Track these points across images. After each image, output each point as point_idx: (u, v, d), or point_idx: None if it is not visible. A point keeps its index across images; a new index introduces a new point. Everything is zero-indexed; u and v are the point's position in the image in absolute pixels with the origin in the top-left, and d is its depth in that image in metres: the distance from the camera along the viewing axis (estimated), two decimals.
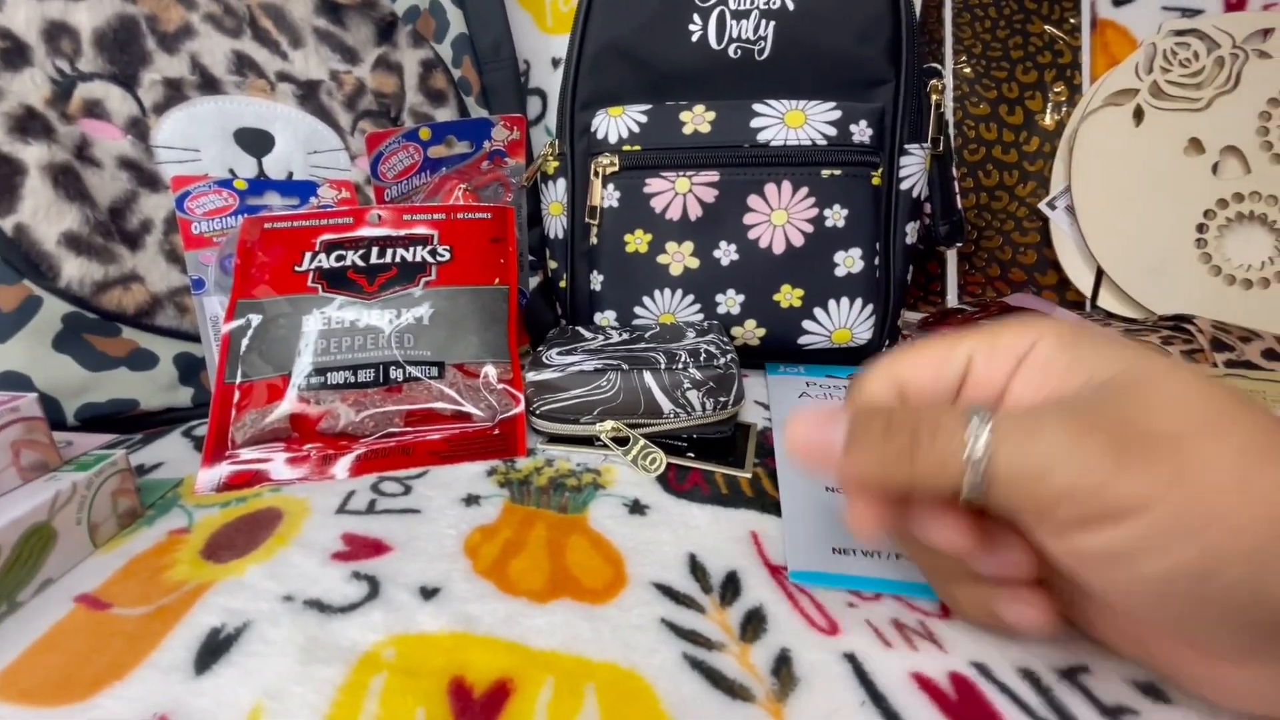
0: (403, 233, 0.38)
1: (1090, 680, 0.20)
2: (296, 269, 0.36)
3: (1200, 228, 0.54)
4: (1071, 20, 0.58)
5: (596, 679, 0.19)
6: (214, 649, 0.20)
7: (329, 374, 0.34)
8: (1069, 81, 0.58)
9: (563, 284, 0.46)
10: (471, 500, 0.29)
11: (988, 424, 0.16)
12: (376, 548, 0.26)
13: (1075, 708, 0.19)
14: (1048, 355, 0.18)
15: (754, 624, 0.22)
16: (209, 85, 0.42)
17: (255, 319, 0.35)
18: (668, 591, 0.23)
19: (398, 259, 0.37)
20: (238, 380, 0.34)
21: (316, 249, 0.37)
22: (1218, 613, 0.15)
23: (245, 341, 0.35)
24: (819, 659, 0.20)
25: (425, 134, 0.41)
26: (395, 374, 0.34)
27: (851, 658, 0.20)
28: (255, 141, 0.43)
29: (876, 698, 0.19)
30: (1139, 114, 0.55)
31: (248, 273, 0.36)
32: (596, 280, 0.43)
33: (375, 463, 0.32)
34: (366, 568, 0.24)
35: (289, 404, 0.34)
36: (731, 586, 0.24)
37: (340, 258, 0.37)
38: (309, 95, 0.45)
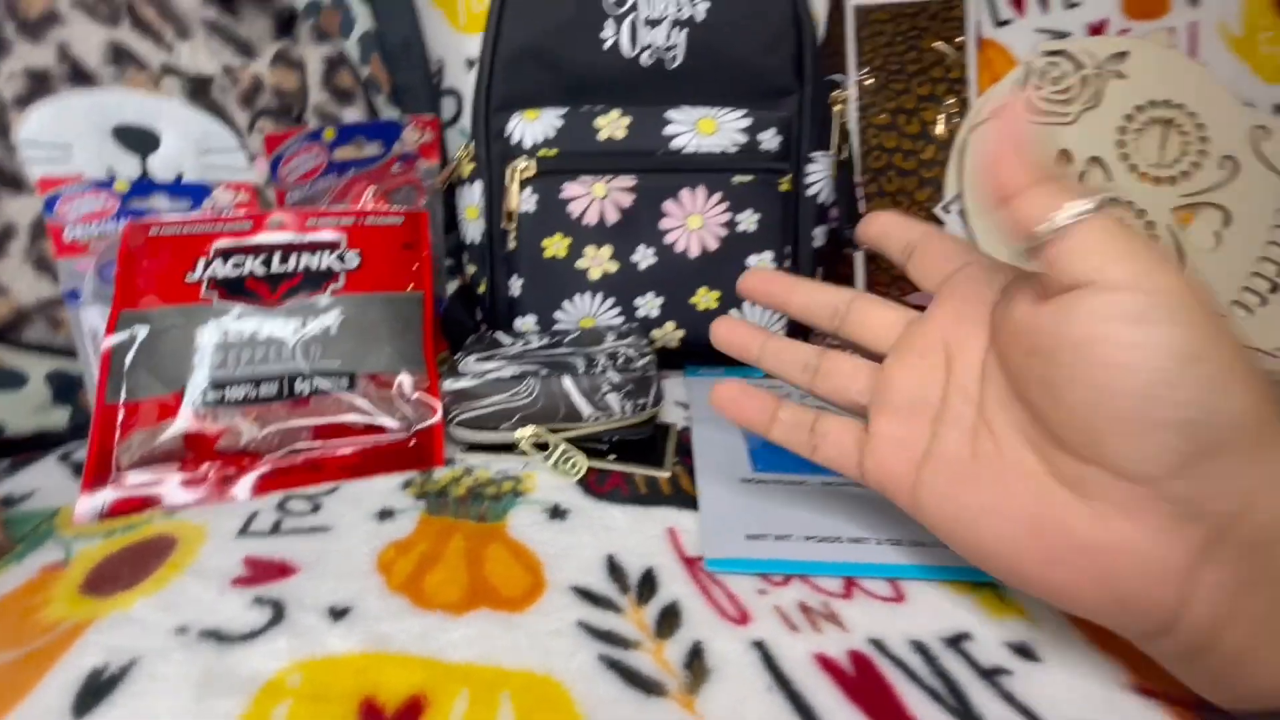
0: (308, 238, 0.36)
1: (971, 646, 0.22)
2: (188, 277, 0.34)
3: None
4: (959, 39, 0.63)
5: (512, 687, 0.19)
6: (95, 691, 0.19)
7: (227, 389, 0.32)
8: (959, 95, 0.63)
9: (481, 289, 0.46)
10: (385, 514, 0.28)
11: (1100, 205, 0.18)
12: (282, 570, 0.24)
13: (957, 672, 0.20)
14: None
15: (669, 619, 0.22)
16: (81, 77, 0.39)
17: (141, 331, 0.33)
18: (586, 594, 0.24)
19: (302, 266, 0.35)
20: (121, 399, 0.31)
21: (211, 256, 0.35)
22: (1182, 403, 0.16)
23: (130, 356, 0.32)
24: (729, 649, 0.21)
25: (330, 134, 0.40)
26: (301, 387, 0.33)
27: (760, 645, 0.21)
28: (138, 139, 0.40)
29: (782, 682, 0.20)
30: None
31: (132, 282, 0.34)
32: (516, 285, 0.43)
33: (281, 480, 0.31)
34: (270, 592, 0.23)
35: (183, 422, 0.31)
36: (648, 584, 0.24)
37: (238, 265, 0.35)
38: (200, 91, 0.42)
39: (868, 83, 0.62)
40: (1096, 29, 0.62)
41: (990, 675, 0.20)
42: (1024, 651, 0.21)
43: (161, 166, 0.41)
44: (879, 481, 0.24)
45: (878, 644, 0.22)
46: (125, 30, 0.40)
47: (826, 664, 0.21)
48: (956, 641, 0.22)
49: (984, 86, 0.62)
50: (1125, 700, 0.20)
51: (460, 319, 0.48)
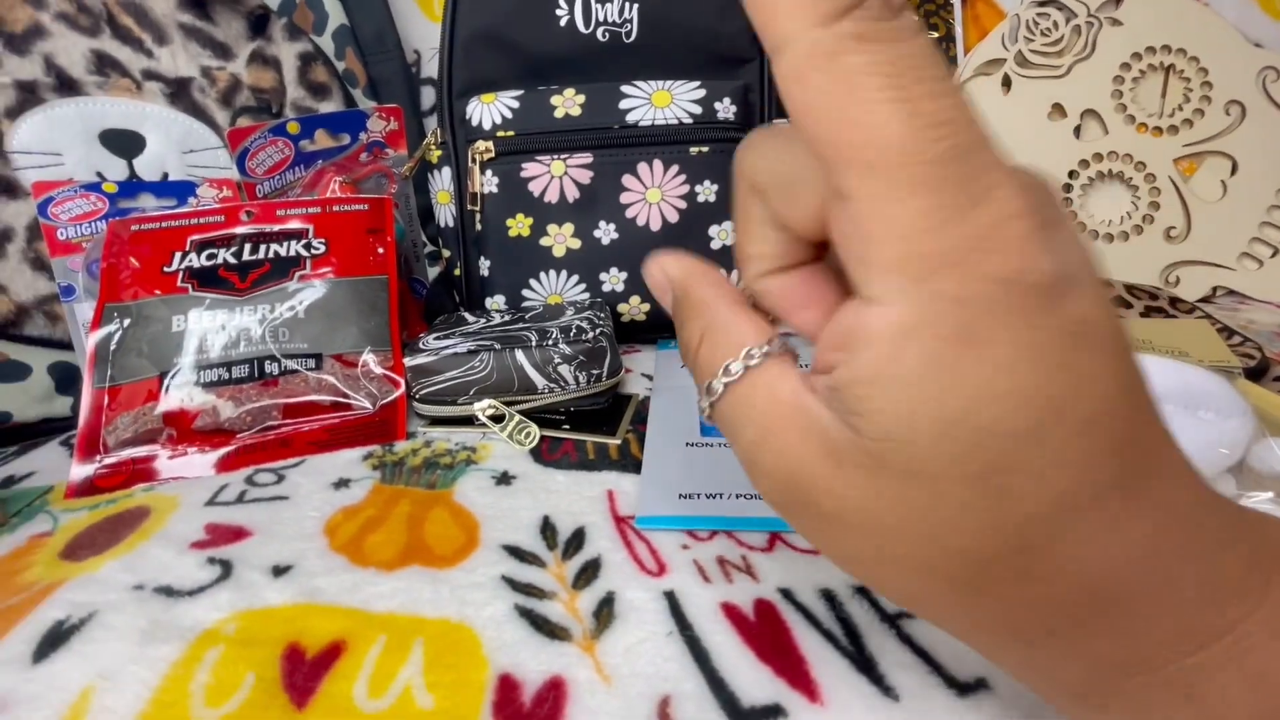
0: (276, 228, 0.38)
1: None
2: (166, 270, 0.36)
3: (1067, 187, 0.57)
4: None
5: (427, 633, 0.21)
6: (54, 639, 0.21)
7: (203, 372, 0.34)
8: (945, 53, 0.61)
9: (457, 271, 0.47)
10: (341, 484, 0.30)
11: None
12: (237, 534, 0.26)
13: (858, 616, 0.21)
14: None
15: (588, 572, 0.23)
16: (67, 87, 0.41)
17: (124, 322, 0.35)
18: (515, 551, 0.25)
19: (271, 254, 0.37)
20: (106, 384, 0.34)
21: (187, 249, 0.37)
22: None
23: (114, 345, 0.34)
24: (639, 598, 0.22)
25: (294, 128, 0.41)
26: (270, 368, 0.35)
27: (670, 595, 0.22)
28: (123, 143, 0.42)
29: (684, 627, 0.21)
30: (1007, 82, 0.58)
31: (115, 276, 0.36)
32: (484, 266, 0.44)
33: (252, 456, 0.33)
34: (223, 553, 0.25)
35: (163, 404, 0.34)
36: (576, 541, 0.25)
37: (211, 256, 0.37)
38: (180, 93, 0.44)
39: None
40: None
41: (893, 620, 0.21)
42: None
43: (147, 167, 0.43)
44: None
45: (786, 593, 0.22)
46: (106, 39, 0.42)
47: (730, 611, 0.21)
48: (866, 589, 0.22)
49: (971, 44, 0.60)
50: None
51: (442, 303, 0.49)
